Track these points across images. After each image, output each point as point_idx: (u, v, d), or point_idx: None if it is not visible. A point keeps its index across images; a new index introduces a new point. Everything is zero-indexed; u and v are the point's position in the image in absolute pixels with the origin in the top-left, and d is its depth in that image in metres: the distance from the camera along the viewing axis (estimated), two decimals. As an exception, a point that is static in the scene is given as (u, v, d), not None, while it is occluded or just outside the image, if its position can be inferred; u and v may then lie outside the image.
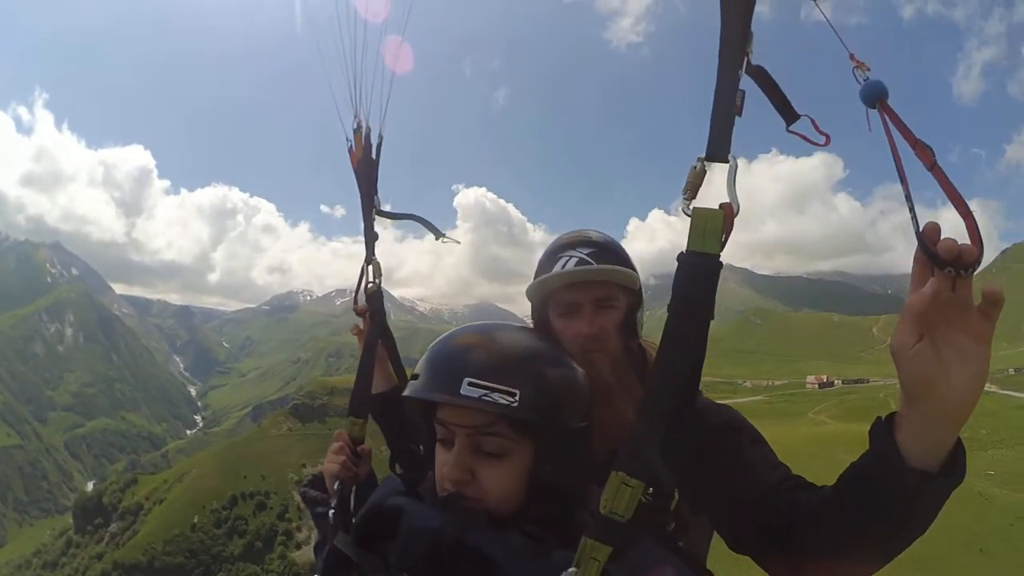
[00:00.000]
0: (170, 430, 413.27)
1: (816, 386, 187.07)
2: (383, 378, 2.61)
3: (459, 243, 2.72)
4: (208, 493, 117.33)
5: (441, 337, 1.66)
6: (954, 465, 1.29)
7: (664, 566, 1.35)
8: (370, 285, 2.62)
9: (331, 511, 1.96)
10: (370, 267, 2.62)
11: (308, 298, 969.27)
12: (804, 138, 1.38)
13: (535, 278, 2.23)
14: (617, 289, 2.15)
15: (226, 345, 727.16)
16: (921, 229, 1.20)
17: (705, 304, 1.31)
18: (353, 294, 2.70)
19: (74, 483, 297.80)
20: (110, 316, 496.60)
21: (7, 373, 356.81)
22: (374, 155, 2.62)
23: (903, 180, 1.24)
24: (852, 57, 1.33)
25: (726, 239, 1.31)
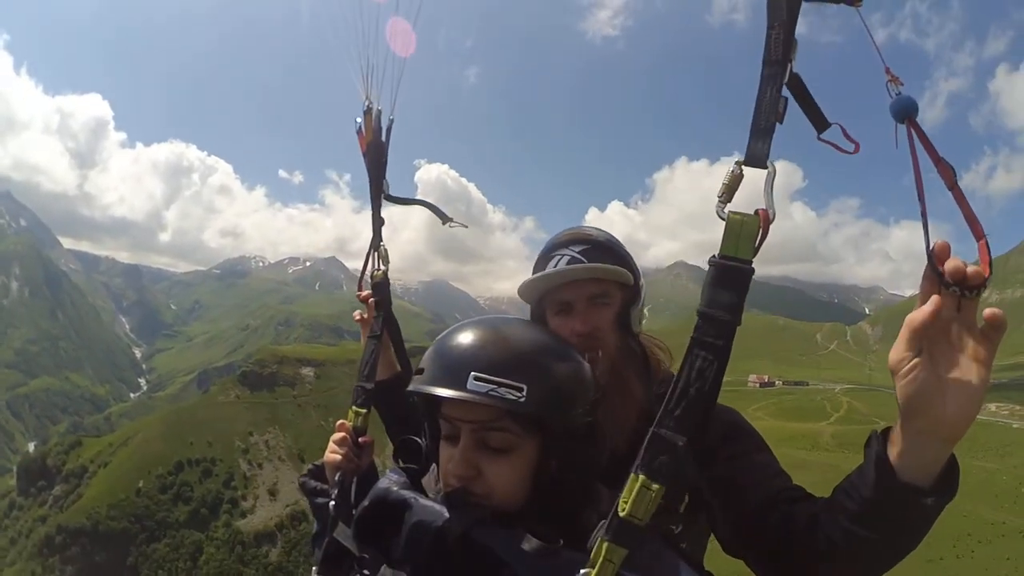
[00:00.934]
0: (113, 392, 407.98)
1: (757, 385, 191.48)
2: (386, 366, 2.62)
3: (466, 227, 2.85)
4: (154, 458, 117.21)
5: (447, 331, 1.64)
6: (947, 482, 1.31)
7: (677, 572, 1.36)
8: (377, 272, 2.60)
9: (331, 502, 1.95)
10: (377, 253, 2.61)
11: (260, 264, 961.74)
12: (834, 146, 1.37)
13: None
14: (611, 286, 2.17)
15: (174, 308, 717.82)
16: (932, 247, 1.21)
17: (735, 310, 1.30)
18: (358, 279, 2.71)
19: (15, 444, 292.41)
20: (57, 271, 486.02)
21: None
22: (384, 138, 2.58)
23: (921, 196, 1.24)
24: (887, 71, 1.31)
25: (760, 246, 1.30)
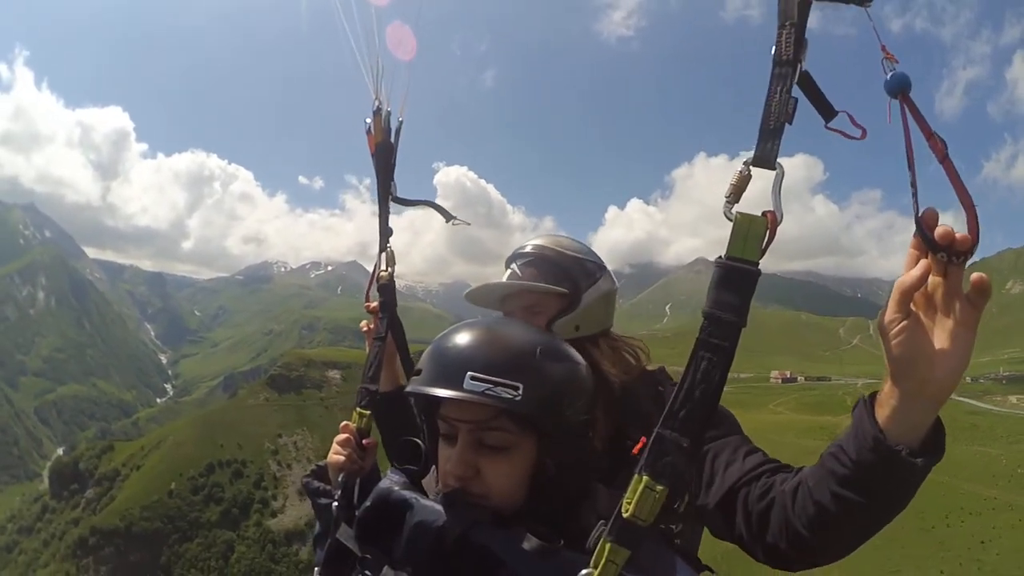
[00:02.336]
0: (140, 398, 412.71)
1: (779, 381, 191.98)
2: (388, 379, 2.63)
3: (469, 224, 2.89)
4: (185, 460, 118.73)
5: (444, 332, 1.65)
6: (934, 443, 1.32)
7: (676, 572, 1.37)
8: (383, 274, 2.58)
9: (334, 503, 1.95)
10: (384, 255, 2.59)
11: (283, 269, 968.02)
12: (842, 133, 1.36)
13: None
14: (544, 296, 2.32)
15: (198, 314, 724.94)
16: (921, 214, 1.23)
17: (740, 312, 1.29)
18: (367, 288, 2.70)
19: (44, 449, 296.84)
20: (83, 280, 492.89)
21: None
22: (392, 139, 2.56)
23: (911, 166, 1.25)
24: (883, 48, 1.31)
25: (767, 247, 1.30)
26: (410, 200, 2.63)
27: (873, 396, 1.38)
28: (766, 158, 1.30)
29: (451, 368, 1.50)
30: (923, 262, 1.23)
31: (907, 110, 1.27)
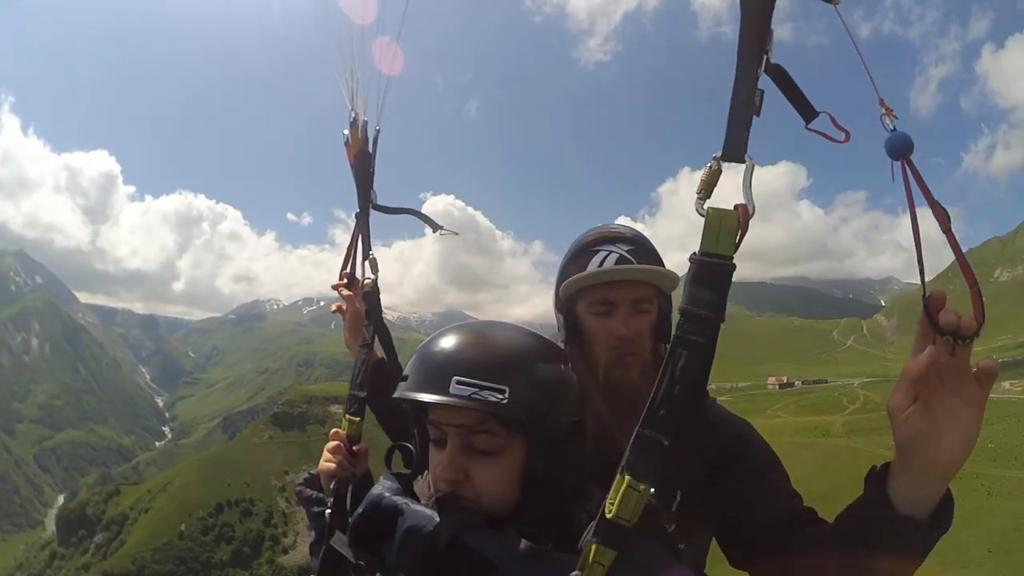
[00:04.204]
0: (139, 442, 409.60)
1: (777, 387, 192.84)
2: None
3: (457, 234, 2.88)
4: (194, 501, 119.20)
5: (430, 337, 1.62)
6: (943, 515, 1.36)
7: (667, 572, 1.34)
8: (366, 281, 2.57)
9: (327, 510, 1.92)
10: (367, 263, 2.58)
11: (275, 307, 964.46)
12: (824, 135, 1.37)
13: (562, 271, 2.25)
14: (653, 291, 2.13)
15: (192, 355, 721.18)
16: (928, 295, 1.25)
17: (717, 307, 1.29)
18: (340, 270, 2.73)
19: (45, 497, 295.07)
20: (75, 326, 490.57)
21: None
22: (370, 148, 2.56)
23: (917, 243, 1.26)
24: (881, 102, 1.31)
25: (740, 241, 1.29)
26: (392, 208, 2.63)
27: (886, 466, 1.41)
28: (735, 151, 1.30)
29: (437, 373, 1.49)
30: (930, 350, 1.24)
31: (910, 173, 1.26)
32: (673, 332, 1.32)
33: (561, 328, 2.25)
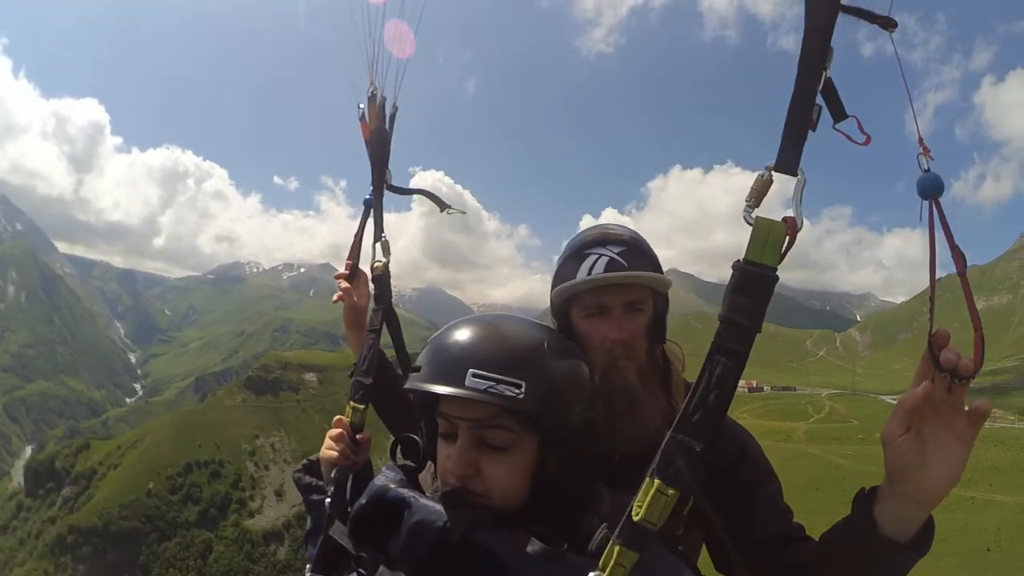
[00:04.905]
0: (110, 397, 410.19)
1: (747, 390, 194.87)
2: (358, 343, 2.54)
3: (464, 213, 2.81)
4: (163, 460, 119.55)
5: (443, 328, 1.62)
6: (923, 539, 1.46)
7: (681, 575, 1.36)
8: (378, 264, 2.50)
9: (327, 499, 1.87)
10: (379, 245, 2.51)
11: (255, 270, 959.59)
12: (847, 136, 1.38)
13: (557, 275, 2.20)
14: (646, 292, 2.10)
15: (168, 313, 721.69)
16: (934, 333, 1.30)
17: (756, 317, 1.29)
18: (350, 249, 2.63)
19: (12, 447, 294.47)
20: (53, 275, 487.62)
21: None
22: (388, 126, 2.50)
23: (932, 281, 1.30)
24: (921, 141, 1.34)
25: (786, 253, 1.29)
26: (405, 188, 2.62)
27: (874, 490, 1.50)
28: (788, 165, 1.30)
29: (452, 365, 1.47)
30: (925, 384, 1.31)
31: (936, 215, 1.30)
32: (713, 340, 1.31)
33: None
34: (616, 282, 2.04)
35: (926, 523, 1.45)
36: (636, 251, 2.11)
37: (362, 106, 2.49)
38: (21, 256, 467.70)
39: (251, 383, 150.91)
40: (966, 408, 1.34)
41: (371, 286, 2.59)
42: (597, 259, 2.09)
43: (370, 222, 2.58)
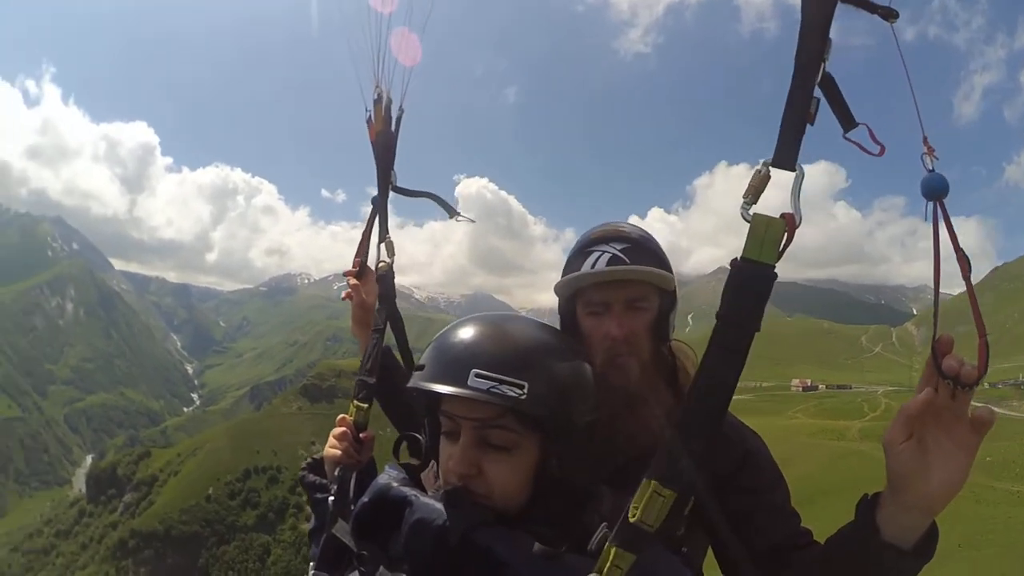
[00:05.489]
0: (168, 407, 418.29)
1: (800, 389, 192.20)
2: (367, 341, 2.51)
3: (473, 221, 2.77)
4: (222, 466, 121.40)
5: (447, 328, 1.61)
6: (927, 545, 1.42)
7: None
8: (382, 264, 2.50)
9: (330, 497, 1.90)
10: (383, 245, 2.52)
11: (306, 281, 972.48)
12: (859, 146, 1.35)
13: (563, 271, 2.18)
14: (650, 289, 2.06)
15: (223, 325, 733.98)
16: (937, 339, 1.28)
17: (754, 315, 1.27)
18: (354, 258, 2.65)
19: (74, 456, 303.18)
20: (110, 292, 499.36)
21: (8, 346, 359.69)
22: (393, 128, 2.49)
23: (936, 284, 1.27)
24: (925, 141, 1.32)
25: (784, 250, 1.27)
26: (411, 190, 2.60)
27: (877, 495, 1.46)
28: (786, 159, 1.28)
29: (456, 364, 1.47)
30: (928, 391, 1.29)
31: (941, 216, 1.28)
32: (709, 339, 1.29)
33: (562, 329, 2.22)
34: (614, 278, 2.03)
35: (930, 529, 1.42)
36: (640, 248, 2.09)
37: (369, 109, 2.50)
38: (78, 274, 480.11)
39: (306, 391, 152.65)
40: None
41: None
42: (600, 255, 2.07)
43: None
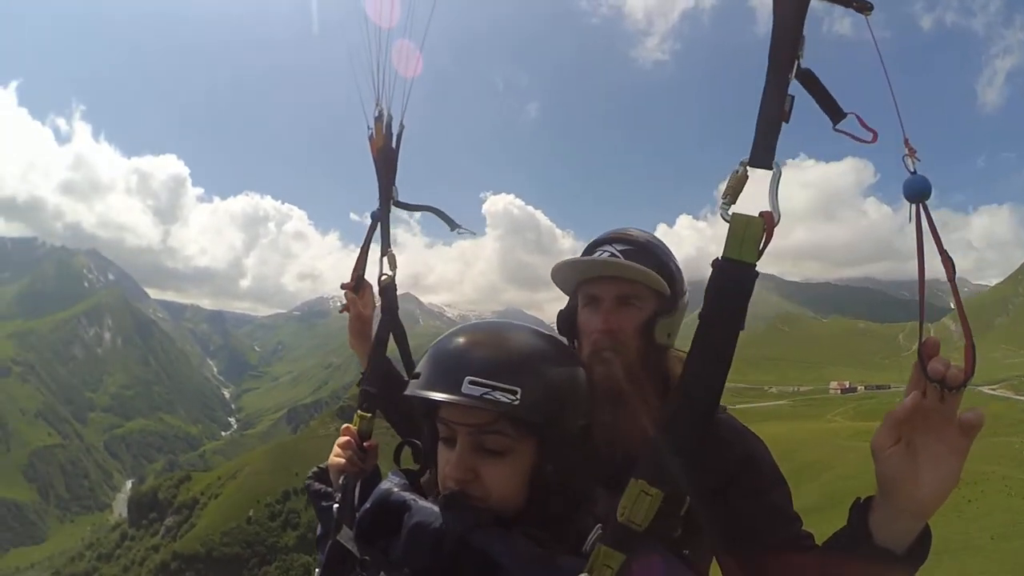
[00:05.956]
0: (206, 431, 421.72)
1: (839, 392, 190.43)
2: (364, 353, 2.64)
3: (475, 234, 2.76)
4: (262, 488, 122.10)
5: (443, 335, 1.63)
6: (920, 548, 1.41)
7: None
8: (384, 277, 2.54)
9: (335, 505, 1.92)
10: (385, 258, 2.54)
11: (339, 304, 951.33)
12: (851, 136, 1.35)
13: None
14: (644, 290, 2.08)
15: (258, 350, 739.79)
16: (922, 341, 1.29)
17: (737, 314, 1.28)
18: (352, 271, 2.70)
19: (114, 481, 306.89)
20: (146, 320, 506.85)
21: (48, 375, 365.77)
22: (394, 144, 2.53)
23: (921, 289, 1.30)
24: (906, 143, 1.32)
25: (764, 248, 1.28)
26: (412, 205, 2.63)
27: (869, 499, 1.45)
28: (762, 158, 1.29)
29: (449, 371, 1.49)
30: (915, 395, 1.29)
31: (924, 218, 1.30)
32: (692, 339, 1.30)
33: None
34: (605, 272, 2.09)
35: (922, 533, 1.42)
36: (642, 250, 2.12)
37: (370, 126, 2.55)
38: (115, 304, 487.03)
39: (343, 413, 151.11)
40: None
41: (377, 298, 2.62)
42: (600, 254, 2.14)
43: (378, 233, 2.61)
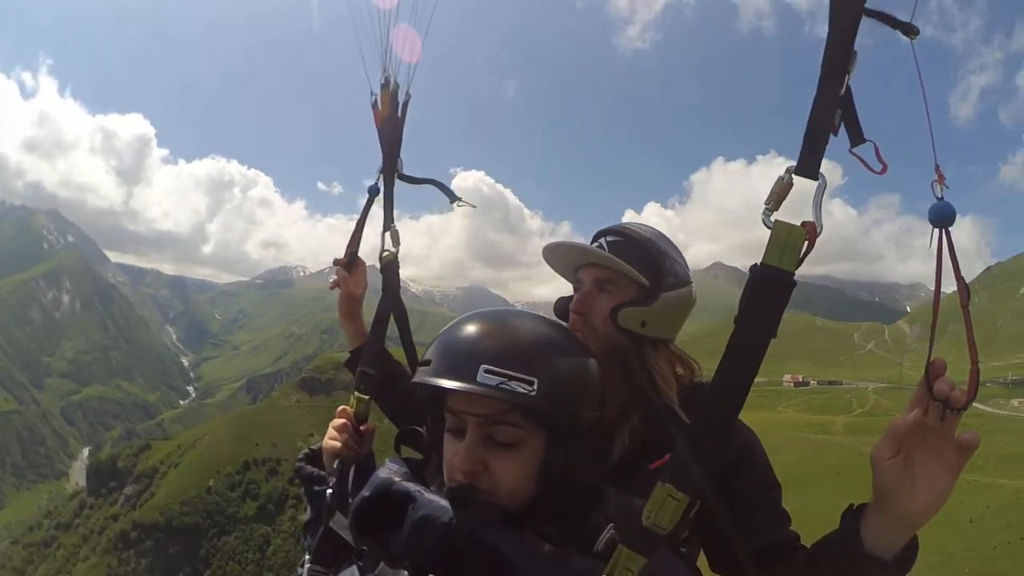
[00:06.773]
0: (164, 399, 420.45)
1: (792, 385, 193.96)
2: (357, 334, 2.60)
3: (475, 206, 2.67)
4: (222, 458, 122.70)
5: (453, 323, 1.58)
6: (907, 557, 1.45)
7: None
8: (386, 254, 2.45)
9: (328, 490, 1.86)
10: (387, 234, 2.46)
11: (302, 273, 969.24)
12: (863, 162, 1.35)
13: None
14: (621, 277, 2.11)
15: (219, 317, 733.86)
16: (931, 362, 1.30)
17: (772, 321, 1.27)
18: (347, 246, 2.59)
19: (70, 449, 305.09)
20: (106, 284, 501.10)
21: (4, 339, 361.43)
22: (400, 113, 2.44)
23: (936, 310, 1.32)
24: (937, 169, 1.33)
25: (804, 258, 1.27)
26: (416, 178, 2.56)
27: (863, 506, 1.49)
28: (809, 169, 1.29)
29: (463, 360, 1.44)
30: (917, 412, 1.31)
31: (946, 244, 1.30)
32: (727, 343, 1.29)
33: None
34: (586, 259, 2.18)
35: (910, 542, 1.45)
36: (629, 243, 2.17)
37: (375, 93, 2.47)
38: (74, 266, 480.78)
39: (305, 384, 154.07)
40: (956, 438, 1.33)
41: (373, 276, 2.61)
42: (595, 245, 2.20)
43: (376, 211, 2.56)
